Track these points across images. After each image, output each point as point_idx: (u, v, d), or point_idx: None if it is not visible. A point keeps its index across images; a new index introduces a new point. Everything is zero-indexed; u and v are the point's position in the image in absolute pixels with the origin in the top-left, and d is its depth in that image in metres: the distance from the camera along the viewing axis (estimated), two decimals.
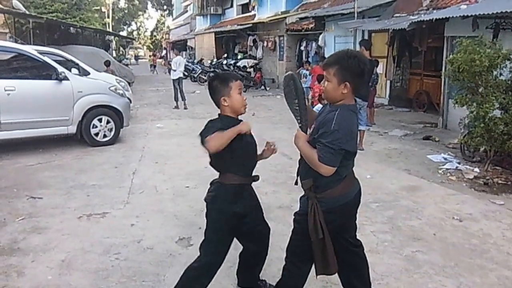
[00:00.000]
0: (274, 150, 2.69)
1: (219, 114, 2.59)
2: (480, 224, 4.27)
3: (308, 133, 2.39)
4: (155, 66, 32.89)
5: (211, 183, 2.65)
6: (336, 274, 2.60)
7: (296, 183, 2.50)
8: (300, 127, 2.40)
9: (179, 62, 13.12)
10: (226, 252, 2.63)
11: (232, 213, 2.54)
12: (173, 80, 12.95)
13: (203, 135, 2.40)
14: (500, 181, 5.55)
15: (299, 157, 2.44)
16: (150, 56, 40.79)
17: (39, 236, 3.94)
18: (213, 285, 2.68)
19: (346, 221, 2.50)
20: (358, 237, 2.65)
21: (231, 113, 2.55)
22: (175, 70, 12.94)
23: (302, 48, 17.59)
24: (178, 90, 12.85)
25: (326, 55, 14.43)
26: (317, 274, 2.49)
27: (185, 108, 12.60)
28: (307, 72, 12.86)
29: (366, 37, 12.74)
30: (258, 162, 2.68)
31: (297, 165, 2.49)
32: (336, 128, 2.18)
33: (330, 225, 2.35)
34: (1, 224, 4.20)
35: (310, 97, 10.84)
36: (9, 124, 6.61)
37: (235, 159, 2.48)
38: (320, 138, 2.24)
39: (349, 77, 2.25)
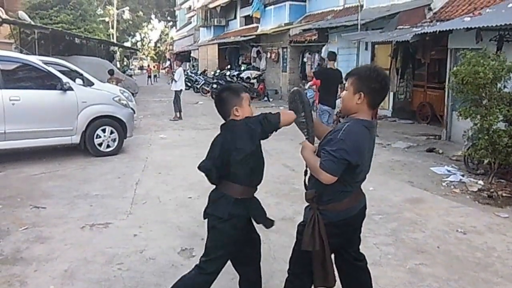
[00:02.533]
0: None
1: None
2: (484, 237, 4.24)
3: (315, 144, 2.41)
4: (151, 77, 33.26)
5: (210, 194, 2.58)
6: (340, 287, 2.58)
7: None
8: (307, 138, 2.43)
9: (180, 73, 13.20)
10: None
11: (242, 227, 2.52)
12: (175, 91, 12.95)
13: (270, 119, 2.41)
14: (504, 194, 5.52)
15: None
16: (147, 66, 40.82)
17: (42, 245, 3.94)
18: None
19: (350, 235, 2.49)
20: (361, 250, 2.63)
21: None
22: (176, 81, 13.00)
23: (305, 59, 17.67)
24: (178, 101, 12.91)
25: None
26: (315, 287, 2.47)
27: (180, 118, 12.71)
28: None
29: (369, 49, 12.82)
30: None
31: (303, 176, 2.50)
32: (342, 137, 2.19)
33: (333, 238, 2.34)
34: (4, 233, 4.21)
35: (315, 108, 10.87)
36: (14, 133, 6.63)
37: (245, 172, 2.47)
38: (325, 145, 2.26)
39: (365, 88, 2.28)
